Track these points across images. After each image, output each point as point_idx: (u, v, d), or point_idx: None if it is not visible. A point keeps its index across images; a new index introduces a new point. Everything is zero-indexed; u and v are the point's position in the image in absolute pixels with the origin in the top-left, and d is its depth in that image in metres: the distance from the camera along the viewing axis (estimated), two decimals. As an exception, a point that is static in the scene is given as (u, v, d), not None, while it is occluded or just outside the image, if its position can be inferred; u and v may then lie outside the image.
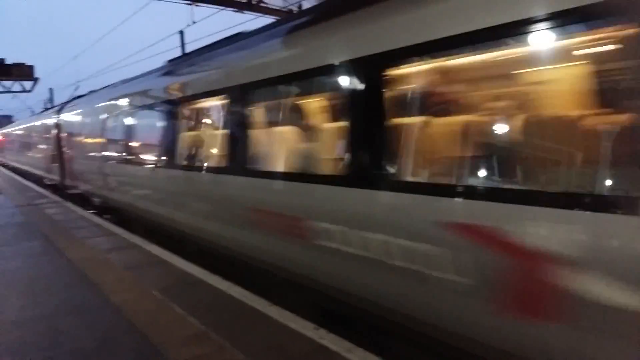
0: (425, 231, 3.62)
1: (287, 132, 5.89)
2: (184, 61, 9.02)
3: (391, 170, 3.97)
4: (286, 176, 5.29)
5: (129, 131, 10.46)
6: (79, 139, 14.83)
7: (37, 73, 32.77)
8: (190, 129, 8.16)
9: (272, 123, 6.27)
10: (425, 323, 3.86)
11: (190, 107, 7.97)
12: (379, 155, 4.05)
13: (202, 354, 4.00)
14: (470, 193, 3.35)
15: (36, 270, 6.77)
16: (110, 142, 11.71)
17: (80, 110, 15.22)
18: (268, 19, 15.71)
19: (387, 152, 4.02)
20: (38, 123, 23.37)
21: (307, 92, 5.96)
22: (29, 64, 32.42)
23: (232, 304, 5.14)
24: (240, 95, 6.06)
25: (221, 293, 5.48)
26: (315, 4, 8.21)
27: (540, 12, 2.98)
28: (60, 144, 17.24)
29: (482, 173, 3.61)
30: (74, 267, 6.86)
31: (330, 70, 4.66)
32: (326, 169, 5.02)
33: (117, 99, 11.57)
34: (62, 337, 4.48)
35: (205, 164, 7.13)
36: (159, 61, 10.46)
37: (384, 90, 4.08)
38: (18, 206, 13.53)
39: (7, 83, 32.71)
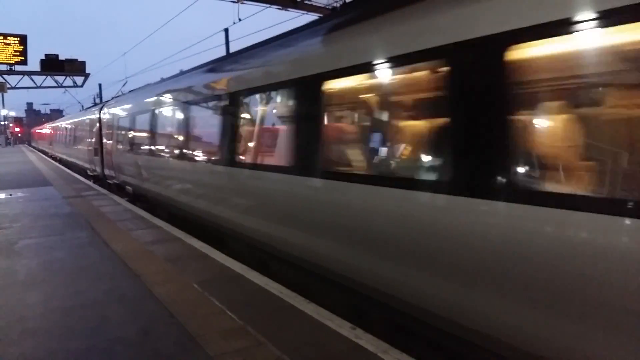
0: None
1: None
2: None
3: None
4: None
5: None
6: None
7: (88, 69, 33.87)
8: None
9: None
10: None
11: None
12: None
13: (239, 348, 4.04)
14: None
15: (82, 260, 7.00)
16: None
17: None
18: (312, 17, 15.75)
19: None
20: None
21: None
22: (81, 59, 33.58)
23: (270, 299, 5.18)
24: None
25: (259, 288, 5.53)
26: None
27: None
28: None
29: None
30: (118, 258, 7.07)
31: None
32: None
33: None
34: (105, 326, 4.61)
35: None
36: (205, 58, 10.57)
37: None
38: (66, 197, 14.04)
39: (60, 78, 33.94)
